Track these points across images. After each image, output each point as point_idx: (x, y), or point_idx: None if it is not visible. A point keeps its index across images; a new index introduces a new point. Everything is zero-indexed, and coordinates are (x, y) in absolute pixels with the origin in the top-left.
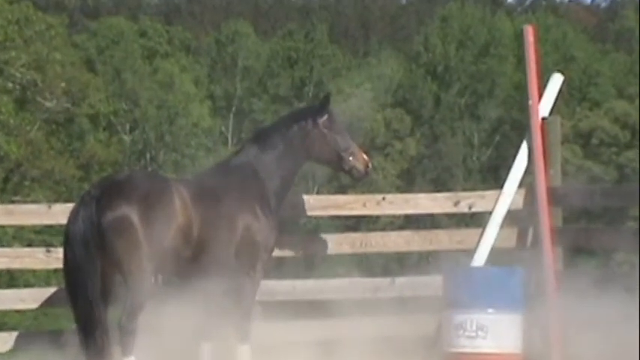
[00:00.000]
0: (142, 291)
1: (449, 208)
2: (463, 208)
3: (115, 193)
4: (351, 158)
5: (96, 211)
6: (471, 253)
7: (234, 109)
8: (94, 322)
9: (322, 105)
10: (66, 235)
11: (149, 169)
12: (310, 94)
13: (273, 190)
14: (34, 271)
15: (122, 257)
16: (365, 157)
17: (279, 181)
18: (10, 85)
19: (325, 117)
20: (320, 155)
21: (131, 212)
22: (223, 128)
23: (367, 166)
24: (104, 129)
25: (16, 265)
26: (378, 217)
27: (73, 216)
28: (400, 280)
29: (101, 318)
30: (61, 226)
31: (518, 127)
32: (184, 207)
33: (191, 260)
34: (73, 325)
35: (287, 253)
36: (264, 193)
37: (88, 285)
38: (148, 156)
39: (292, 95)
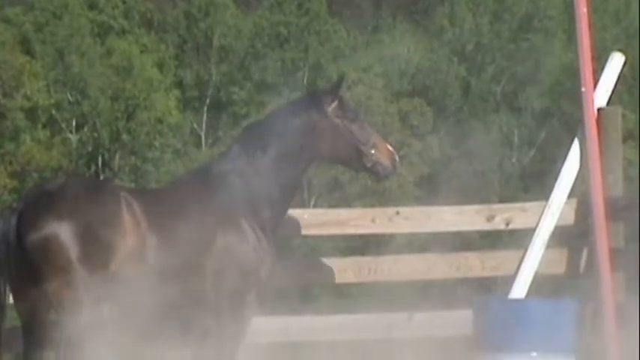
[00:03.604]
0: (77, 328)
1: (481, 225)
2: (499, 224)
3: (43, 206)
4: (373, 151)
5: (17, 229)
6: (509, 281)
7: (208, 100)
8: None
9: (332, 89)
10: None
11: (101, 176)
12: (305, 81)
13: (268, 203)
14: None
15: (51, 287)
16: (390, 148)
17: (277, 191)
18: None
19: (335, 104)
20: (334, 152)
21: (61, 230)
22: (195, 125)
23: (394, 160)
24: (44, 126)
25: None
26: (391, 237)
27: None
28: (420, 317)
29: None
30: None
31: (568, 122)
32: (135, 224)
33: (150, 292)
34: None
35: (277, 282)
36: (256, 207)
37: None
38: (99, 160)
39: (282, 82)
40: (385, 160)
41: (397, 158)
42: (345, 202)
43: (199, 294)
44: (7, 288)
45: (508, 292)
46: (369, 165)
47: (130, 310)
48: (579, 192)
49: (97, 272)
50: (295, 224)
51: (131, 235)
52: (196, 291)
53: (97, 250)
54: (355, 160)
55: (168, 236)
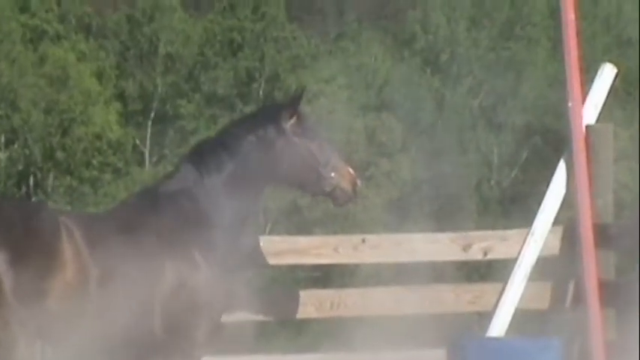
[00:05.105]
0: None
1: (456, 255)
2: (476, 254)
3: None
4: (332, 174)
5: None
6: (487, 317)
7: (153, 114)
8: None
9: (290, 103)
10: None
11: (33, 198)
12: (261, 93)
13: (222, 228)
14: None
15: None
16: (351, 171)
17: (232, 215)
18: None
19: (294, 119)
20: (290, 175)
21: None
22: (138, 141)
23: (355, 184)
24: None
25: None
26: (356, 267)
27: None
28: (387, 356)
29: None
30: None
31: (553, 140)
32: (76, 253)
33: (92, 329)
34: None
35: (229, 317)
36: (209, 235)
37: None
38: (31, 180)
39: (235, 94)
40: (345, 185)
41: (359, 183)
42: (305, 229)
43: (146, 331)
44: None
45: (486, 330)
46: (327, 189)
47: (69, 349)
48: (565, 218)
49: (31, 306)
50: (250, 253)
51: (71, 265)
52: (143, 328)
53: (32, 281)
54: (313, 183)
55: (112, 268)
